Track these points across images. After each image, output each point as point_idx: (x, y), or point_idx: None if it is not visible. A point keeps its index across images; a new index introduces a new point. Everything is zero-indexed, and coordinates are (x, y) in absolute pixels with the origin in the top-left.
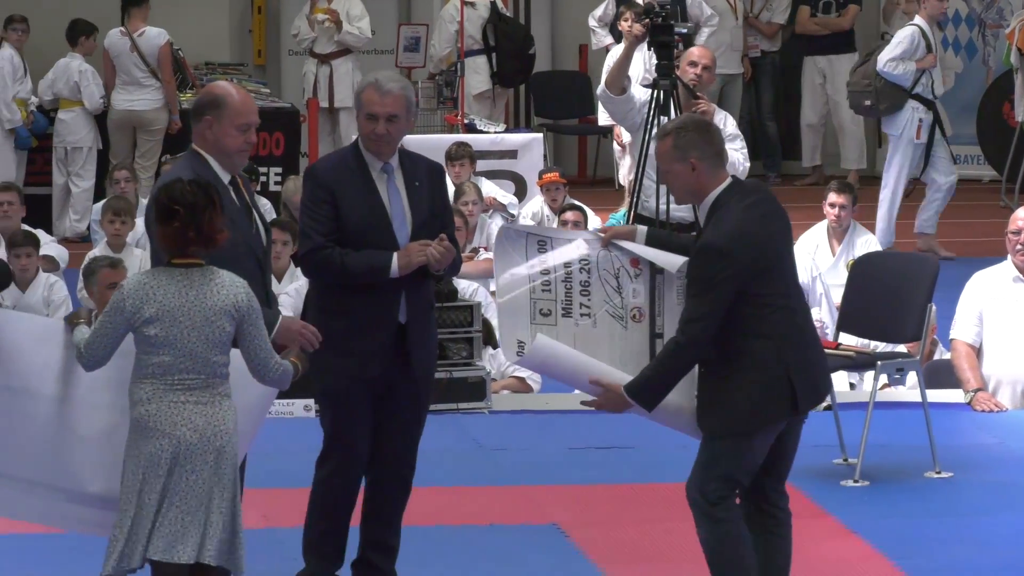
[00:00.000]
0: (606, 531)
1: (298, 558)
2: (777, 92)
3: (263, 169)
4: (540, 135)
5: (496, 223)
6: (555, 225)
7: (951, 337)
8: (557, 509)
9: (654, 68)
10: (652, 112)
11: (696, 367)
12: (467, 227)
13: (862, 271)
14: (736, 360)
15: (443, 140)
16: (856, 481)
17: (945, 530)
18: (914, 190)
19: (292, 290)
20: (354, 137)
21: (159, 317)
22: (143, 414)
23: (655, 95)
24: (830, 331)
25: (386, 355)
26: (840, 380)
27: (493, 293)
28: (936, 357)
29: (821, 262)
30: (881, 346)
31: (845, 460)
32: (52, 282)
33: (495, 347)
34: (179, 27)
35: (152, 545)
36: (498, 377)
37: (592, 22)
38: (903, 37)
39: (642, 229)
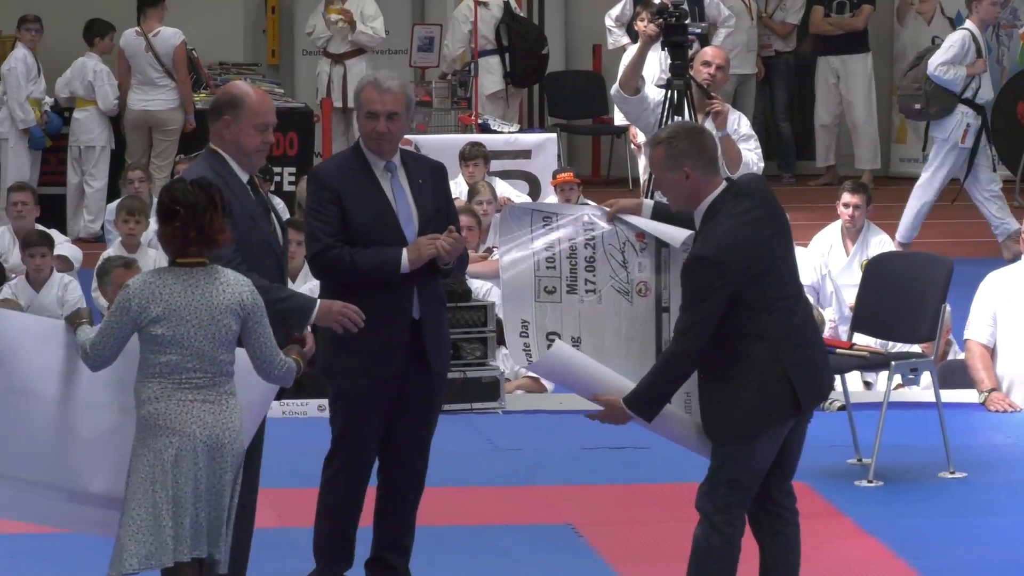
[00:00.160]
0: (620, 531)
1: (312, 558)
2: (791, 92)
3: (277, 169)
4: (554, 135)
5: None
6: None
7: (965, 337)
8: (571, 509)
9: (668, 68)
10: (666, 112)
11: (697, 375)
12: (480, 227)
13: (876, 271)
14: (734, 364)
15: (457, 140)
16: (870, 481)
17: (959, 530)
18: (959, 194)
19: (307, 289)
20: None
21: (166, 316)
22: (151, 412)
23: (669, 95)
24: (843, 331)
25: (402, 351)
26: (854, 380)
27: None
28: (951, 357)
29: (835, 262)
30: (898, 346)
31: (859, 460)
32: (66, 282)
33: None
34: (193, 27)
35: (168, 546)
36: (512, 377)
37: (609, 22)
38: (954, 41)
39: (648, 203)
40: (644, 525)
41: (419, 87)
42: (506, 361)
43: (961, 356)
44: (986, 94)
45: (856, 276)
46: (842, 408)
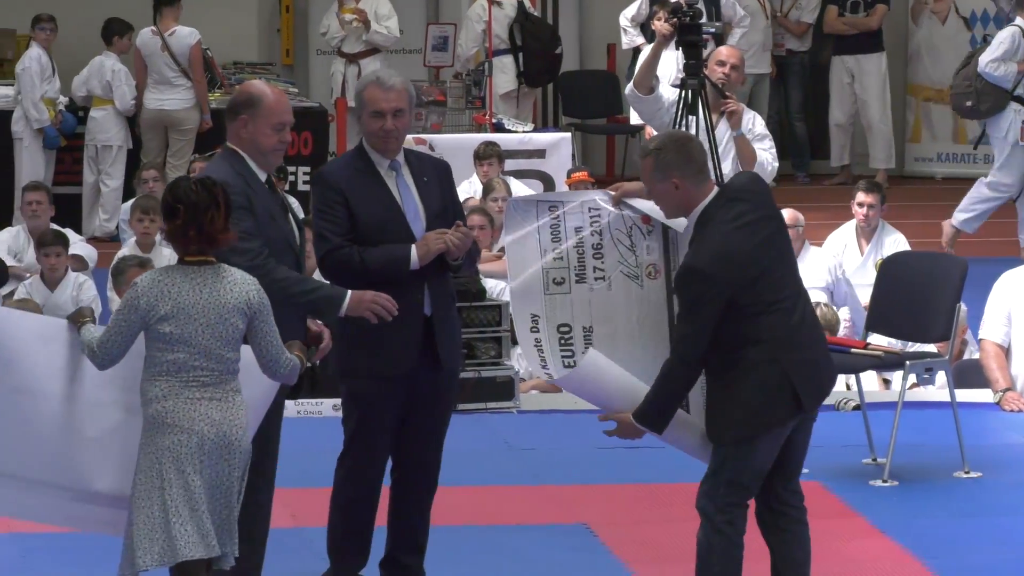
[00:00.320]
0: (635, 530)
1: (327, 557)
2: (806, 92)
3: (292, 169)
4: (568, 134)
5: None
6: None
7: (979, 337)
8: (586, 508)
9: (682, 67)
10: (680, 112)
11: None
12: (493, 225)
13: (890, 271)
14: (734, 367)
15: (471, 140)
16: (885, 481)
17: (974, 529)
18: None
19: None
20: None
21: (174, 314)
22: (159, 411)
23: (683, 95)
24: (858, 330)
25: (415, 349)
26: (869, 380)
27: None
28: (966, 357)
29: (849, 262)
30: (916, 346)
31: (874, 460)
32: (81, 281)
33: None
34: (207, 26)
35: (180, 543)
36: (527, 377)
37: (624, 21)
38: (1004, 38)
39: None
40: (659, 525)
41: (433, 87)
42: (521, 361)
43: (977, 355)
44: None
45: (870, 276)
46: (857, 408)
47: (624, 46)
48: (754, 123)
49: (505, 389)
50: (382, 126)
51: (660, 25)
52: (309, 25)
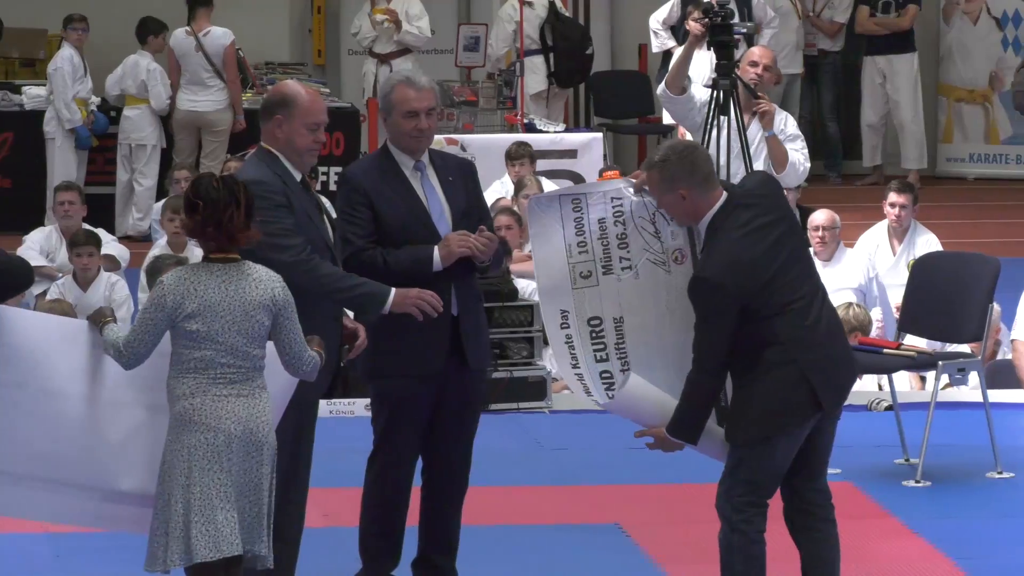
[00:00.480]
0: (668, 530)
1: (359, 558)
2: (838, 92)
3: (323, 169)
4: (600, 135)
5: None
6: None
7: (1012, 337)
8: (619, 508)
9: (714, 68)
10: (712, 112)
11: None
12: (521, 225)
13: (923, 271)
14: (751, 369)
15: (503, 140)
16: (918, 481)
17: (1006, 530)
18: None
19: None
20: None
21: (200, 312)
22: (187, 408)
23: (715, 95)
24: (890, 331)
25: (442, 349)
26: (902, 380)
27: None
28: (999, 357)
29: (881, 262)
30: (951, 346)
31: (907, 460)
32: (114, 281)
33: None
34: (239, 27)
35: (198, 543)
36: (558, 377)
37: (654, 24)
38: None
39: None
40: (691, 525)
41: (465, 87)
42: (552, 361)
43: (1010, 356)
44: None
45: (903, 276)
46: (889, 408)
47: (655, 49)
48: (786, 123)
49: (537, 389)
50: (416, 125)
51: (692, 25)
52: (340, 25)
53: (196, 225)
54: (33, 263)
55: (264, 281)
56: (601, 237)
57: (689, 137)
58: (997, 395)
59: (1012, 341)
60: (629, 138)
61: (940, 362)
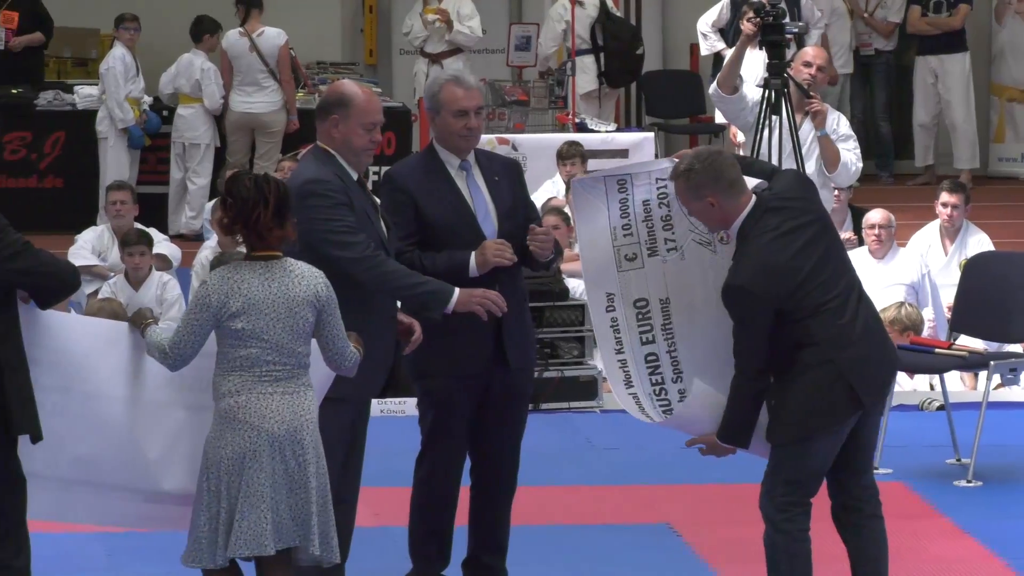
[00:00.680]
0: (718, 530)
1: (409, 558)
2: (890, 92)
3: (374, 168)
4: (651, 134)
5: None
6: None
7: None
8: (669, 508)
9: (765, 67)
10: (763, 111)
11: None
12: (569, 223)
13: (975, 271)
14: (789, 371)
15: (554, 139)
16: (969, 481)
17: None
18: None
19: None
20: None
21: (245, 310)
22: (231, 405)
23: (766, 94)
24: (942, 330)
25: (486, 349)
26: (954, 380)
27: None
28: None
29: (933, 262)
30: (1007, 347)
31: (958, 460)
32: (165, 280)
33: None
34: (291, 26)
35: (238, 539)
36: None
37: (703, 27)
38: None
39: None
40: (742, 525)
41: (516, 86)
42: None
43: None
44: None
45: (955, 276)
46: (941, 408)
47: (704, 52)
48: (838, 123)
49: (588, 389)
50: (466, 124)
51: (745, 24)
52: (392, 25)
53: (228, 222)
54: (85, 262)
55: (307, 277)
56: (646, 219)
57: (740, 137)
58: None
59: None
60: (681, 138)
61: (992, 362)
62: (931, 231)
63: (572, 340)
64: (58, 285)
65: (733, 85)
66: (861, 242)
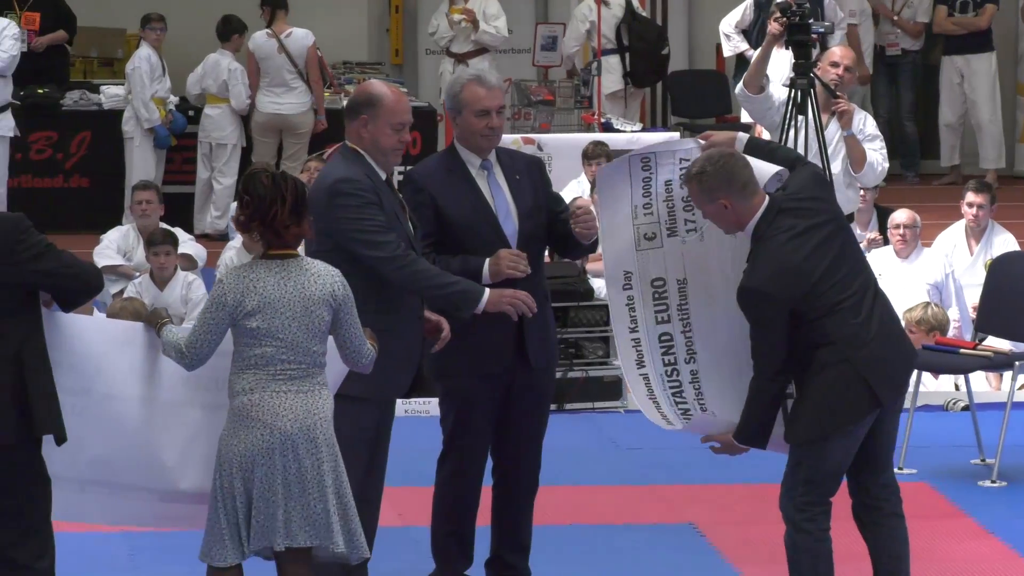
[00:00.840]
0: (743, 531)
1: (432, 558)
2: (916, 92)
3: (399, 168)
4: (677, 134)
5: None
6: None
7: None
8: (693, 508)
9: (792, 67)
10: (790, 111)
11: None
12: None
13: (1000, 271)
14: (806, 370)
15: (580, 139)
16: (994, 481)
17: None
18: None
19: None
20: None
21: (261, 309)
22: (245, 404)
23: (793, 94)
24: (967, 331)
25: (508, 349)
26: (979, 380)
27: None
28: None
29: (959, 261)
30: None
31: (983, 460)
32: (190, 280)
33: None
34: (317, 26)
35: (256, 533)
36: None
37: (726, 28)
38: None
39: (742, 136)
40: (766, 525)
41: (542, 86)
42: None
43: None
44: None
45: (980, 276)
46: (966, 408)
47: (727, 53)
48: (865, 123)
49: (612, 389)
50: (488, 123)
51: (771, 24)
52: (418, 25)
53: (245, 220)
54: (110, 262)
55: (323, 276)
56: (667, 199)
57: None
58: None
59: None
60: None
61: (1017, 362)
62: (956, 231)
63: (597, 340)
64: (81, 287)
65: (759, 85)
66: (887, 241)
